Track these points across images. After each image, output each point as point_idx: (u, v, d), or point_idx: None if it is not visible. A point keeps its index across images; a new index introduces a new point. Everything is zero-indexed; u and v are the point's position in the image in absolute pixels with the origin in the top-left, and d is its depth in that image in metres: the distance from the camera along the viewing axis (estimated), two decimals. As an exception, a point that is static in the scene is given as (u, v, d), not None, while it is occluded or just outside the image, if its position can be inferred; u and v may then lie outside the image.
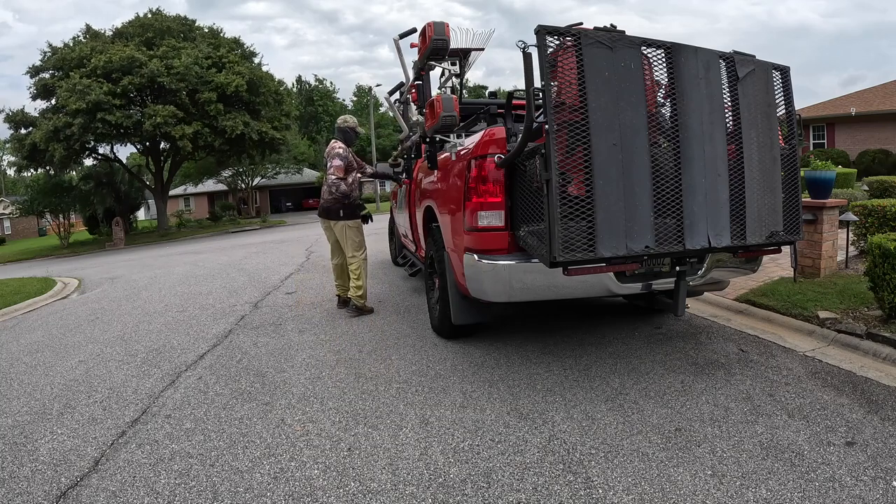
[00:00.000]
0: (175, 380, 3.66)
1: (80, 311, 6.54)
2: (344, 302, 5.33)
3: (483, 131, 3.37)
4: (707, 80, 2.80)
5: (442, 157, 3.93)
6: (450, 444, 2.56)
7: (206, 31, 25.26)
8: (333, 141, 5.12)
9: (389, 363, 3.69)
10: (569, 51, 2.53)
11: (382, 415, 2.91)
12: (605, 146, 2.53)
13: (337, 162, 4.90)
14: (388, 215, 8.66)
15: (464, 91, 5.00)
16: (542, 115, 2.64)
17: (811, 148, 21.81)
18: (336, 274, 5.36)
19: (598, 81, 2.53)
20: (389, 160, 6.12)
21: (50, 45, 22.67)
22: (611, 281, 3.09)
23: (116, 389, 3.56)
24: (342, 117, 5.35)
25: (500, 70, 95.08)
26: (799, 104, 3.38)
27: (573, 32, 2.55)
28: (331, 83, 58.14)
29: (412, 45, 4.64)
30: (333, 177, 4.85)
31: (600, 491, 2.13)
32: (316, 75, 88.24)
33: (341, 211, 4.97)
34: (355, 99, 59.27)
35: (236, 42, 25.48)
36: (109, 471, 2.51)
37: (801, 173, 4.16)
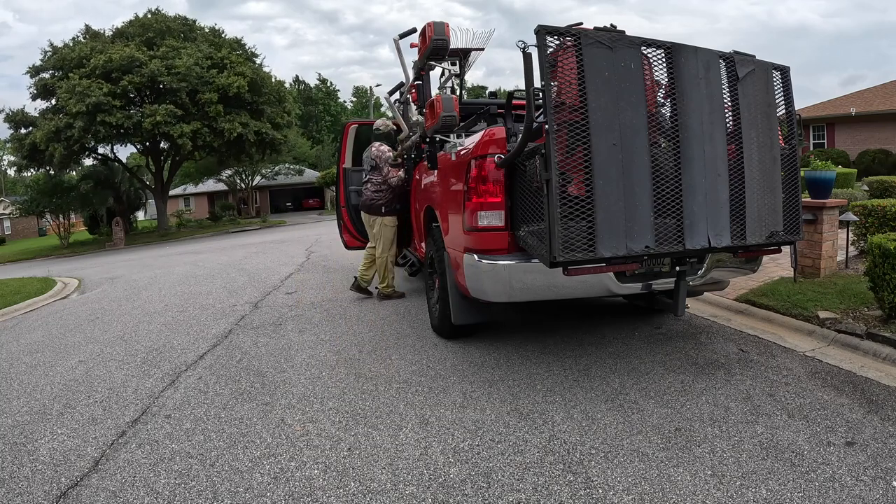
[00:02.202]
0: (175, 380, 3.66)
1: (80, 311, 6.54)
2: (359, 288, 5.69)
3: (483, 131, 3.37)
4: (707, 80, 2.80)
5: (442, 157, 3.93)
6: (450, 444, 2.56)
7: (207, 31, 25.26)
8: (381, 144, 5.40)
9: (389, 363, 3.69)
10: (569, 51, 2.53)
11: (382, 415, 2.91)
12: (605, 146, 2.53)
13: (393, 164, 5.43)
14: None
15: (463, 91, 5.00)
16: (542, 115, 2.64)
17: (811, 148, 21.80)
18: (367, 263, 5.65)
19: (598, 81, 2.53)
20: (389, 160, 6.12)
21: (50, 45, 22.67)
22: (611, 281, 3.08)
23: (116, 389, 3.56)
24: (381, 121, 5.66)
25: (500, 70, 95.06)
26: (799, 104, 3.38)
27: (573, 32, 2.55)
28: (331, 83, 58.06)
29: (412, 45, 4.64)
30: (395, 179, 5.32)
31: (600, 491, 2.13)
32: (320, 74, 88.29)
33: (383, 208, 5.40)
34: (355, 99, 59.26)
35: (238, 43, 25.47)
36: (109, 471, 2.51)
37: (801, 173, 4.16)
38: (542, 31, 2.47)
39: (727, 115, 2.89)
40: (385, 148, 5.38)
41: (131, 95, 21.53)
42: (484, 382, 3.24)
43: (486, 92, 41.39)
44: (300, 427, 2.83)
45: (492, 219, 3.19)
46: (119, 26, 24.28)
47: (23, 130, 22.53)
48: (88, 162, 26.12)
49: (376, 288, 5.68)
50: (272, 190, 41.06)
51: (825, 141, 22.25)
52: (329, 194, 36.09)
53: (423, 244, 4.85)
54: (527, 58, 2.48)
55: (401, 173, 5.33)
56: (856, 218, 5.09)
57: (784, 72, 3.14)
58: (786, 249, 3.50)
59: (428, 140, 3.98)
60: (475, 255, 3.24)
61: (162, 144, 24.51)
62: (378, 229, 5.39)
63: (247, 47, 25.73)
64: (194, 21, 25.23)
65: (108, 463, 2.59)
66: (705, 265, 3.22)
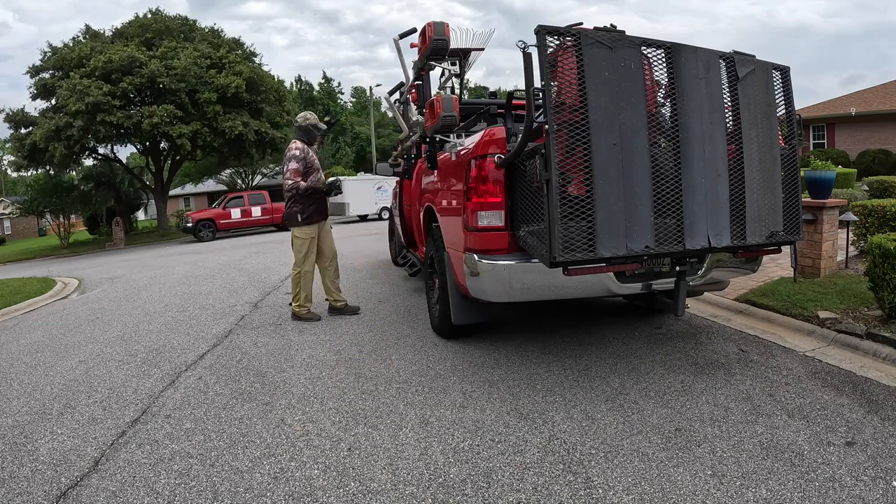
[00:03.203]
0: (175, 380, 3.66)
1: (80, 311, 6.54)
2: (339, 311, 5.11)
3: (483, 131, 3.37)
4: (707, 80, 2.80)
5: (442, 157, 3.93)
6: (450, 444, 2.56)
7: (207, 30, 25.26)
8: (292, 141, 4.84)
9: (389, 363, 3.69)
10: (569, 51, 2.53)
11: (382, 415, 2.91)
12: (605, 146, 2.53)
13: (293, 165, 4.64)
14: (388, 215, 8.67)
15: (464, 91, 5.00)
16: (542, 115, 2.64)
17: (811, 148, 21.82)
18: (325, 286, 5.13)
19: (598, 81, 2.52)
20: (389, 160, 6.11)
21: (50, 45, 22.65)
22: (611, 281, 3.09)
23: (116, 389, 3.56)
24: (301, 114, 4.98)
25: (500, 70, 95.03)
26: (799, 104, 3.38)
27: (573, 32, 2.55)
28: (337, 83, 57.89)
29: (412, 45, 4.64)
30: (290, 181, 4.65)
31: (600, 491, 2.13)
32: (325, 72, 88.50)
33: (298, 216, 4.77)
34: (354, 100, 59.19)
35: (237, 42, 25.47)
36: (109, 471, 2.51)
37: (801, 173, 4.16)
38: (542, 31, 2.47)
39: (727, 115, 2.89)
40: (295, 146, 4.71)
41: (131, 95, 21.54)
42: (484, 382, 3.24)
43: (487, 93, 41.38)
44: (300, 427, 2.83)
45: (492, 219, 3.19)
46: (119, 26, 24.30)
47: (23, 130, 22.53)
48: (88, 162, 26.14)
49: (289, 304, 5.17)
50: (272, 190, 41.06)
51: (825, 141, 22.26)
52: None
53: (423, 244, 4.85)
54: (527, 58, 2.48)
55: (300, 180, 4.64)
56: (856, 218, 5.09)
57: (784, 72, 3.14)
58: (786, 249, 3.50)
59: (428, 140, 3.98)
60: (475, 255, 3.25)
61: (162, 145, 24.52)
62: (292, 239, 4.83)
63: (245, 46, 25.73)
64: (194, 21, 25.24)
65: (108, 463, 2.59)
66: (705, 265, 3.22)
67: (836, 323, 3.68)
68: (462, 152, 3.53)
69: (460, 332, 4.06)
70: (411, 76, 4.88)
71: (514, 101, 3.50)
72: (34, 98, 22.64)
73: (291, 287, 4.98)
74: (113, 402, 3.34)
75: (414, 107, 4.97)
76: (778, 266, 5.39)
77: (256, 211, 21.49)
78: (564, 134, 2.52)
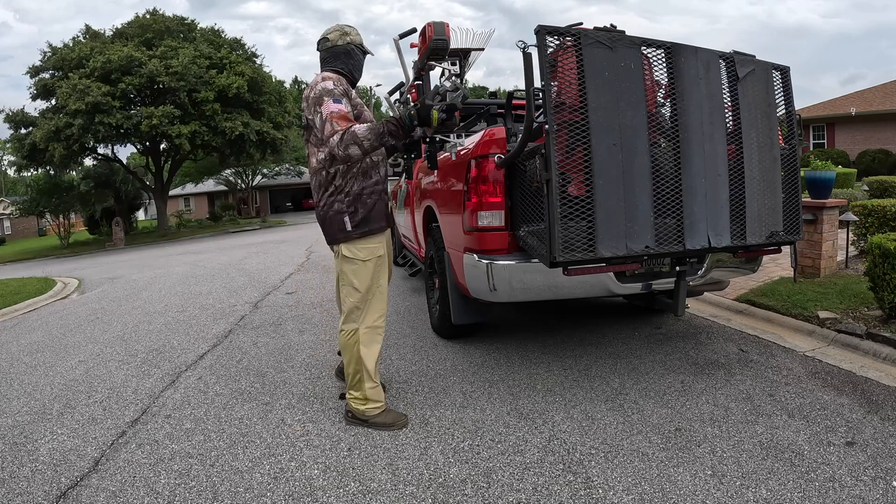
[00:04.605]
0: (175, 380, 3.66)
1: (80, 311, 6.54)
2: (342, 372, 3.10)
3: (483, 131, 3.38)
4: (707, 80, 2.80)
5: (442, 157, 3.93)
6: (450, 444, 2.56)
7: (207, 30, 25.25)
8: (316, 76, 2.66)
9: (389, 363, 3.69)
10: (569, 51, 2.53)
11: (382, 415, 2.90)
12: (605, 146, 2.53)
13: (332, 107, 2.43)
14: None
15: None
16: (542, 115, 2.64)
17: (811, 148, 21.83)
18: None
19: (598, 81, 2.52)
20: (389, 160, 6.10)
21: (50, 46, 22.67)
22: (611, 281, 3.09)
23: (116, 389, 3.56)
24: (334, 29, 2.80)
25: (500, 70, 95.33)
26: (799, 104, 3.38)
27: (573, 32, 2.55)
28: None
29: (412, 45, 4.63)
30: (336, 136, 2.37)
31: (600, 491, 2.13)
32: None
33: (347, 219, 2.63)
34: (355, 99, 59.18)
35: (238, 43, 25.47)
36: (109, 471, 2.51)
37: (801, 173, 4.16)
38: (542, 31, 2.47)
39: (727, 115, 2.89)
40: (323, 77, 2.55)
41: (131, 96, 21.54)
42: (484, 382, 3.24)
43: (487, 93, 41.36)
44: (300, 427, 2.83)
45: (492, 219, 3.19)
46: (119, 26, 24.31)
47: (23, 130, 22.54)
48: (88, 162, 26.15)
49: (340, 396, 3.11)
50: (272, 190, 41.08)
51: (825, 141, 22.27)
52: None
53: (423, 244, 4.84)
54: (527, 58, 2.47)
55: (353, 126, 2.39)
56: (856, 218, 5.09)
57: (784, 72, 3.14)
58: (786, 249, 3.50)
59: (428, 140, 3.97)
60: (475, 255, 3.25)
61: (162, 145, 24.53)
62: (339, 266, 2.78)
63: (247, 47, 25.72)
64: (193, 21, 25.24)
65: (108, 463, 2.59)
66: (705, 265, 3.22)
67: (836, 323, 3.68)
68: (462, 152, 3.54)
69: (460, 332, 4.06)
70: (411, 76, 4.87)
71: (514, 101, 3.49)
72: (34, 98, 22.65)
73: (343, 355, 2.81)
74: (113, 402, 3.34)
75: (414, 107, 4.95)
76: (778, 266, 5.39)
77: None
78: (564, 134, 2.52)
